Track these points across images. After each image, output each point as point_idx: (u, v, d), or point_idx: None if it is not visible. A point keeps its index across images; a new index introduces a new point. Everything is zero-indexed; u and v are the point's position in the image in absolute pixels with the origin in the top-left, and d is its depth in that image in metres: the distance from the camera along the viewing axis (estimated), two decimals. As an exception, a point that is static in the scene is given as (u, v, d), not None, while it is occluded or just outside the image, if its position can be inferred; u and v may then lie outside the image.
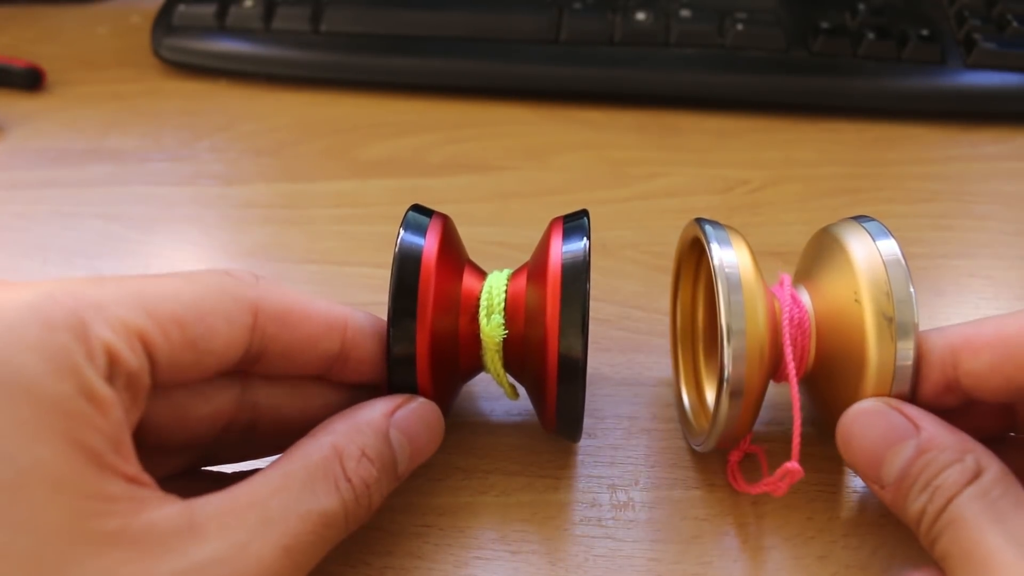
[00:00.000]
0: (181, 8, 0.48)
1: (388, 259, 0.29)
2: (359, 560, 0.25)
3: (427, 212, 0.27)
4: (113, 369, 0.19)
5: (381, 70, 0.46)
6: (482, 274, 0.27)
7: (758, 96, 0.45)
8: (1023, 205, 0.39)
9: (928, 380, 0.24)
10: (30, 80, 0.47)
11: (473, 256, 0.28)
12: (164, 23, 0.48)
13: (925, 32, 0.44)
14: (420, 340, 0.24)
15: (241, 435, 0.25)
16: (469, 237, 0.28)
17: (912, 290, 0.23)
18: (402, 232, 0.25)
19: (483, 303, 0.26)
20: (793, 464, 0.24)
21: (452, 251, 0.26)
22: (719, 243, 0.25)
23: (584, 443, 0.29)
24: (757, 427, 0.29)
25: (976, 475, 0.21)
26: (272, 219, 0.39)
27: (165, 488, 0.20)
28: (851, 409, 0.24)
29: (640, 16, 0.46)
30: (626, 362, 0.32)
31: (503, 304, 0.26)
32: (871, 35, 0.44)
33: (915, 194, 0.40)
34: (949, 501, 0.21)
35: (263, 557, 0.20)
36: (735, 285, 0.24)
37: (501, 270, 0.27)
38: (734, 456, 0.27)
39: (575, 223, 0.26)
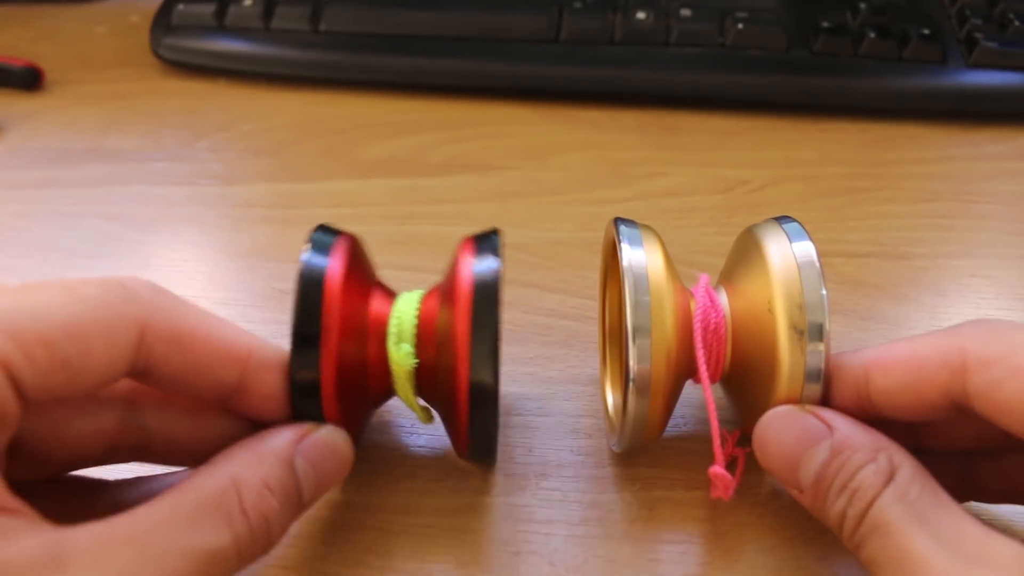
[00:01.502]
0: (180, 8, 0.48)
1: (388, 259, 0.29)
2: (358, 560, 0.25)
3: (334, 232, 0.25)
4: None
5: (381, 70, 0.46)
6: (392, 296, 0.26)
7: (758, 96, 0.45)
8: (1024, 205, 0.39)
9: (840, 397, 0.24)
10: (29, 80, 0.47)
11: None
12: (163, 23, 0.48)
13: (926, 31, 0.44)
14: (325, 367, 0.23)
15: (131, 456, 0.24)
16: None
17: (824, 293, 0.23)
18: (305, 253, 0.24)
19: (392, 330, 0.24)
20: (716, 468, 0.24)
21: (359, 272, 0.25)
22: (630, 243, 0.25)
23: (584, 443, 0.29)
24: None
25: (891, 475, 0.21)
26: (272, 219, 0.39)
27: (51, 490, 0.19)
28: (765, 416, 0.24)
29: (640, 16, 0.45)
30: (626, 362, 0.32)
31: (414, 329, 0.24)
32: (872, 34, 0.44)
33: (915, 194, 0.40)
34: (869, 504, 0.21)
35: None
36: (642, 285, 0.24)
37: (412, 291, 0.26)
38: (719, 461, 0.27)
39: (485, 241, 0.25)
